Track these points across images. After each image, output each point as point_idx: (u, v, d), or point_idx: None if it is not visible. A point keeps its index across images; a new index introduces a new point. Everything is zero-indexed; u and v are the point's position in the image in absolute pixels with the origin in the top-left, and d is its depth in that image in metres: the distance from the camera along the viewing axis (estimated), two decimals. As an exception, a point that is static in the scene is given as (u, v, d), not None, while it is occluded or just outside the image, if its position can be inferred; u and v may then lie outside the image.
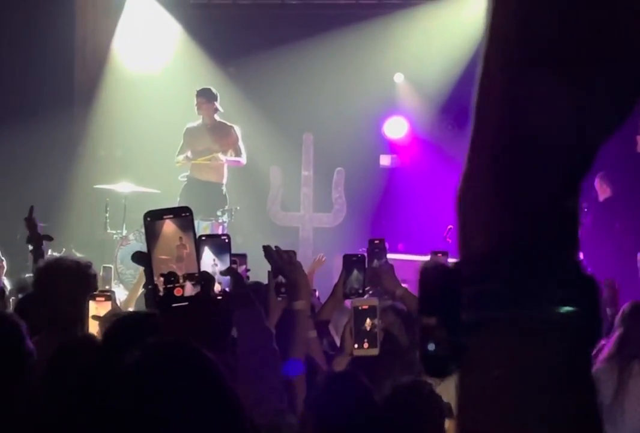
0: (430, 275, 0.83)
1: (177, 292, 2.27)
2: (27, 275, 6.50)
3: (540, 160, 0.80)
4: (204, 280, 2.33)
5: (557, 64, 0.80)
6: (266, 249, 3.94)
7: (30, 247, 5.00)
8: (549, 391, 0.77)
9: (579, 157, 0.81)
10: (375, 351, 3.49)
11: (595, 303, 0.79)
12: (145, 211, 2.34)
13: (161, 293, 2.26)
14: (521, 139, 0.81)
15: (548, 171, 0.80)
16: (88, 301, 3.67)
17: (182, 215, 2.35)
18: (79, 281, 3.83)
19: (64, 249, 8.74)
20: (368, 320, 3.49)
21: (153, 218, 2.33)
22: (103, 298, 3.71)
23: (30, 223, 5.02)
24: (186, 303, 2.27)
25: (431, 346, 0.80)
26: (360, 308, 3.54)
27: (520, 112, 0.81)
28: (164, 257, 2.31)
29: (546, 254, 0.79)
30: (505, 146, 0.82)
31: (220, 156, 10.36)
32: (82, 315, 3.63)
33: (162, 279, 2.27)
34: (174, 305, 2.26)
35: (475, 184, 0.83)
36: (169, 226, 2.32)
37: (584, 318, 0.78)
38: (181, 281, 2.29)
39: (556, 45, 0.80)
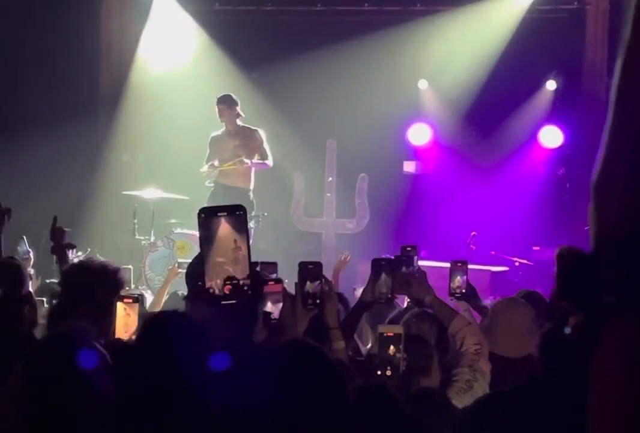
0: (567, 260, 0.84)
1: (226, 289, 2.30)
2: (50, 281, 6.56)
3: None
4: (257, 280, 2.36)
5: None
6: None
7: (55, 257, 5.04)
8: None
9: None
10: (396, 381, 3.46)
11: None
12: (200, 208, 2.37)
13: (211, 291, 2.29)
14: None
15: None
16: (116, 303, 3.71)
17: (236, 213, 2.37)
18: (104, 283, 3.85)
19: (88, 249, 8.77)
20: (392, 348, 3.47)
21: (208, 215, 2.35)
22: (131, 300, 3.75)
23: (54, 233, 5.05)
24: (234, 301, 2.30)
25: (567, 330, 0.81)
26: (385, 334, 3.51)
27: None
28: (220, 260, 2.34)
29: None
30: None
31: (245, 159, 10.38)
32: (109, 317, 3.67)
33: (219, 282, 2.31)
34: (223, 302, 2.30)
35: (614, 170, 0.83)
36: (224, 228, 2.34)
37: None
38: (231, 280, 2.32)
39: None
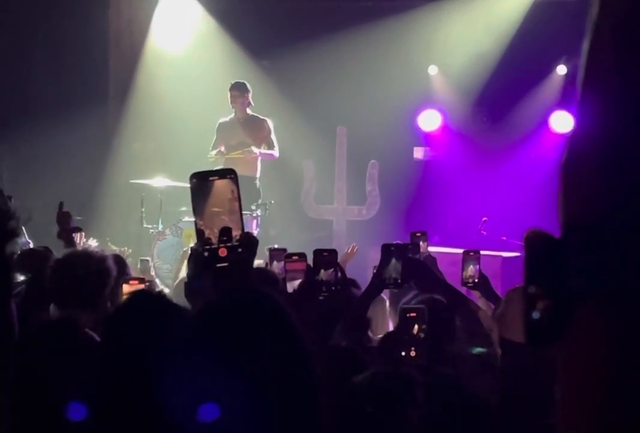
0: (535, 244, 0.83)
1: (222, 252, 2.30)
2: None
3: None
4: (248, 241, 2.36)
5: None
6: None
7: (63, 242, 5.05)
8: None
9: None
10: (423, 360, 3.43)
11: None
12: (191, 173, 2.39)
13: (206, 254, 2.29)
14: (632, 108, 0.80)
15: None
16: (122, 285, 3.70)
17: (228, 177, 2.39)
18: (90, 276, 3.80)
19: (95, 239, 8.73)
20: (416, 326, 3.45)
21: (199, 180, 2.37)
22: (137, 282, 3.74)
23: (60, 218, 5.05)
24: (226, 264, 2.30)
25: (536, 315, 0.80)
26: (408, 315, 3.49)
27: (634, 83, 0.81)
28: (216, 209, 2.35)
29: None
30: (613, 113, 0.81)
31: (254, 149, 10.38)
32: (104, 305, 3.67)
33: (216, 231, 2.31)
34: (218, 265, 2.29)
35: (582, 157, 0.82)
36: (220, 183, 2.37)
37: None
38: (233, 240, 2.32)
39: None
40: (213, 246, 2.31)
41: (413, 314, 3.48)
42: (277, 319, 1.78)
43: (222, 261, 2.32)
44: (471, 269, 5.02)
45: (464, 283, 4.95)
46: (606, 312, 0.78)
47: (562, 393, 0.82)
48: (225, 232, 2.33)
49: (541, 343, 0.84)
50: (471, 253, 5.07)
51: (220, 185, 2.37)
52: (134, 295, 2.12)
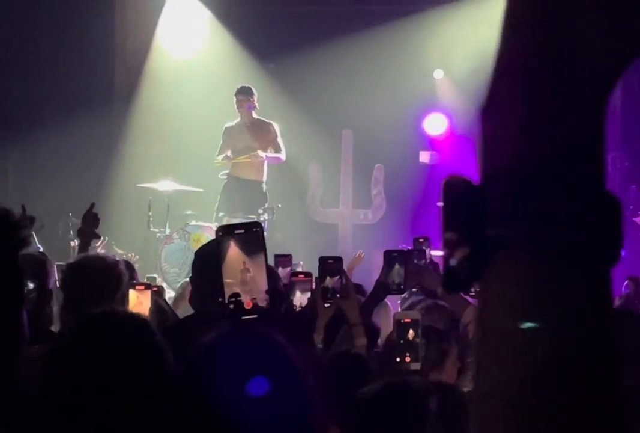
0: (454, 189, 0.84)
1: (247, 305, 2.31)
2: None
3: (569, 79, 0.81)
4: (274, 295, 2.36)
5: None
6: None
7: (78, 241, 5.05)
8: (564, 303, 0.78)
9: (606, 77, 0.81)
10: (417, 366, 3.43)
11: (617, 224, 0.80)
12: (217, 227, 2.38)
13: (231, 306, 2.30)
14: (549, 57, 0.82)
15: (576, 90, 0.80)
16: (128, 291, 3.70)
17: (253, 230, 2.38)
18: (104, 281, 3.80)
19: (106, 238, 8.71)
20: (411, 332, 3.45)
21: (224, 233, 2.37)
22: (143, 287, 3.74)
23: (88, 218, 5.06)
24: (255, 316, 2.30)
25: (453, 262, 0.81)
26: (403, 320, 3.50)
27: (549, 29, 0.82)
28: (228, 281, 2.35)
29: (570, 174, 0.79)
30: (532, 64, 0.82)
31: (260, 152, 10.38)
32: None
33: (240, 288, 2.32)
34: (244, 317, 2.30)
35: (498, 106, 0.83)
36: (233, 250, 2.35)
37: (603, 239, 0.79)
38: (251, 296, 2.33)
39: None
40: (239, 299, 2.31)
41: (407, 320, 3.48)
42: (277, 360, 1.81)
43: (249, 313, 2.32)
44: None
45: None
46: (521, 259, 0.79)
47: (474, 340, 0.84)
48: (233, 298, 2.33)
49: (457, 289, 0.85)
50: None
51: (232, 254, 2.36)
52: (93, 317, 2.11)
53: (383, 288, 4.23)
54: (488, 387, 0.79)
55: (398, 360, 3.42)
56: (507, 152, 0.81)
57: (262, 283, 2.36)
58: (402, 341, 3.43)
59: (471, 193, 0.82)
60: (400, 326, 3.47)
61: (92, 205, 5.14)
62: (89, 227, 5.03)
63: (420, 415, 2.76)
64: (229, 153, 10.45)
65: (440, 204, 0.83)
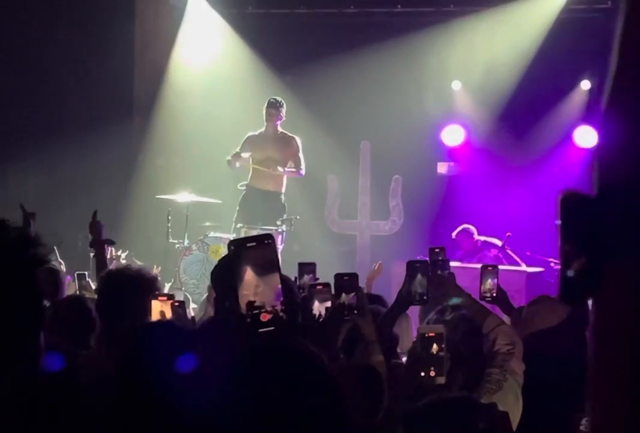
0: (571, 203, 0.84)
1: (263, 317, 2.33)
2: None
3: None
4: (290, 306, 2.38)
5: None
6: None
7: (93, 252, 5.09)
8: None
9: None
10: (442, 380, 3.42)
11: None
12: (229, 241, 2.40)
13: (249, 320, 2.32)
14: None
15: None
16: (151, 301, 3.75)
17: (265, 242, 2.39)
18: (140, 291, 3.86)
19: (127, 251, 8.77)
20: (435, 347, 3.44)
21: (237, 247, 2.38)
22: (165, 298, 3.79)
23: (93, 227, 5.09)
24: (272, 328, 2.32)
25: (570, 273, 0.82)
26: (427, 335, 3.50)
27: None
28: (245, 293, 2.37)
29: None
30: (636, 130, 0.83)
31: (279, 168, 10.31)
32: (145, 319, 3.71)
33: (256, 298, 2.34)
34: (260, 330, 2.32)
35: (615, 126, 0.84)
36: (248, 275, 2.37)
37: None
38: (266, 308, 2.35)
39: None
40: (255, 312, 2.34)
41: (431, 334, 3.48)
42: (310, 375, 1.84)
43: (266, 325, 2.34)
44: (489, 283, 5.04)
45: (482, 297, 4.97)
46: (637, 270, 0.80)
47: (593, 353, 0.84)
48: (251, 307, 2.36)
49: (574, 300, 0.86)
50: (489, 268, 5.11)
51: (248, 278, 2.38)
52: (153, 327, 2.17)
53: (406, 299, 4.23)
54: (608, 397, 0.80)
55: (423, 374, 3.42)
56: (626, 163, 0.82)
57: (276, 295, 2.38)
58: (425, 355, 3.43)
59: (588, 206, 0.83)
60: (424, 340, 3.47)
61: (94, 214, 5.16)
62: (97, 236, 5.07)
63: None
64: (247, 155, 10.32)
65: (558, 222, 0.84)
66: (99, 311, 3.92)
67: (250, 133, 10.65)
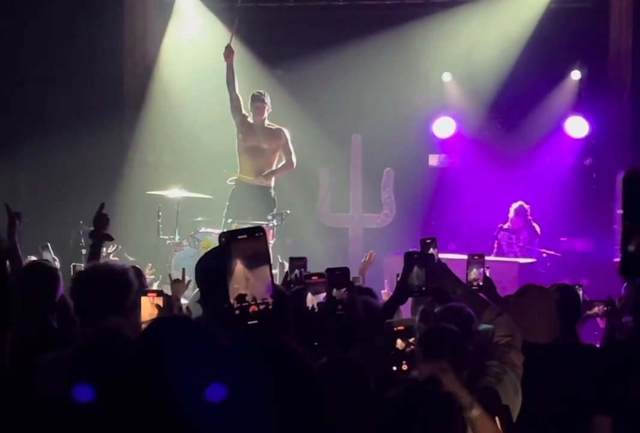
0: (633, 181, 0.84)
1: (252, 309, 2.33)
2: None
3: None
4: (278, 298, 2.38)
5: None
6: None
7: (87, 247, 5.07)
8: None
9: None
10: (415, 373, 3.38)
11: None
12: (220, 233, 2.40)
13: (237, 312, 2.32)
14: None
15: None
16: (140, 297, 3.72)
17: (256, 235, 2.39)
18: (112, 289, 3.80)
19: (119, 246, 8.72)
20: (399, 342, 3.39)
21: (228, 239, 2.38)
22: (155, 294, 3.77)
23: (99, 219, 5.06)
24: (258, 321, 2.33)
25: (631, 248, 0.81)
26: (396, 329, 3.44)
27: None
28: (235, 286, 2.37)
29: None
30: None
31: (264, 179, 10.34)
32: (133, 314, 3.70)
33: (247, 291, 2.35)
34: (249, 322, 2.32)
35: None
36: (236, 256, 2.37)
37: None
38: (256, 301, 2.35)
39: None
40: (244, 304, 2.34)
41: (401, 328, 3.42)
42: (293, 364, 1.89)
43: (253, 318, 2.34)
44: (475, 273, 5.04)
45: (468, 286, 4.96)
46: None
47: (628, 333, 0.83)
48: (241, 299, 2.36)
49: (634, 273, 0.85)
50: (476, 257, 5.10)
51: (238, 271, 2.38)
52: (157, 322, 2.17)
53: (405, 290, 4.20)
54: None
55: (395, 368, 3.37)
56: None
57: (266, 288, 2.38)
58: (394, 350, 3.38)
59: None
60: (394, 334, 3.39)
61: (102, 206, 5.13)
62: (100, 228, 5.03)
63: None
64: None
65: (620, 199, 0.83)
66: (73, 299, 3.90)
67: (249, 117, 10.58)
